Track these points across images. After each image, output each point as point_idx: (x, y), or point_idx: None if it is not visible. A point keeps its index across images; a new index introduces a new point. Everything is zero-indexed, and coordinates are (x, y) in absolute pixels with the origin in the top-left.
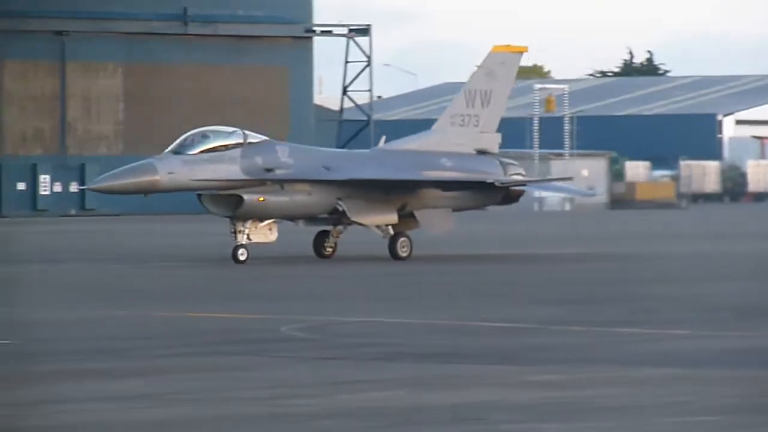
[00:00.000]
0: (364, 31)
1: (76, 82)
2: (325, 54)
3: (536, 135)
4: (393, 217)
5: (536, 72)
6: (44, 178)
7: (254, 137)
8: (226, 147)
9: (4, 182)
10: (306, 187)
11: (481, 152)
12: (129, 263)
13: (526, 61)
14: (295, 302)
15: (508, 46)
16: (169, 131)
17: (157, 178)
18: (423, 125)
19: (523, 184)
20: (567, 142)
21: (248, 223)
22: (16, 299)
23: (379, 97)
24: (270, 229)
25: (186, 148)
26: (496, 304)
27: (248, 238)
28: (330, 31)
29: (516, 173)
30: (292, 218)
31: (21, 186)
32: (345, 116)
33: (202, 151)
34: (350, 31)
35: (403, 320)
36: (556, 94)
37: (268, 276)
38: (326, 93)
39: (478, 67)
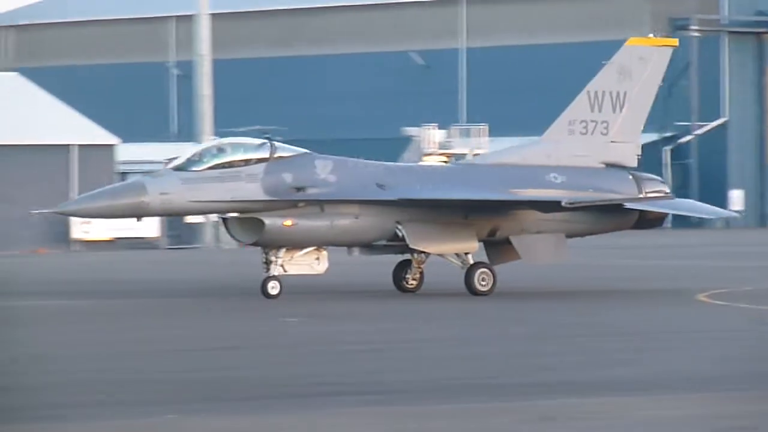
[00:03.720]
0: None
1: None
2: None
3: None
4: (470, 245)
5: None
6: None
7: (287, 150)
8: (246, 162)
9: None
10: (353, 209)
11: (612, 166)
12: None
13: None
14: None
15: (648, 39)
16: None
17: (144, 199)
18: None
19: (618, 204)
20: None
21: (281, 252)
22: None
23: None
24: (317, 259)
25: (192, 163)
26: None
27: (283, 269)
28: None
29: (655, 191)
30: (340, 246)
31: None
32: None
33: (211, 167)
34: None
35: None
36: None
37: None
38: None
39: (607, 63)
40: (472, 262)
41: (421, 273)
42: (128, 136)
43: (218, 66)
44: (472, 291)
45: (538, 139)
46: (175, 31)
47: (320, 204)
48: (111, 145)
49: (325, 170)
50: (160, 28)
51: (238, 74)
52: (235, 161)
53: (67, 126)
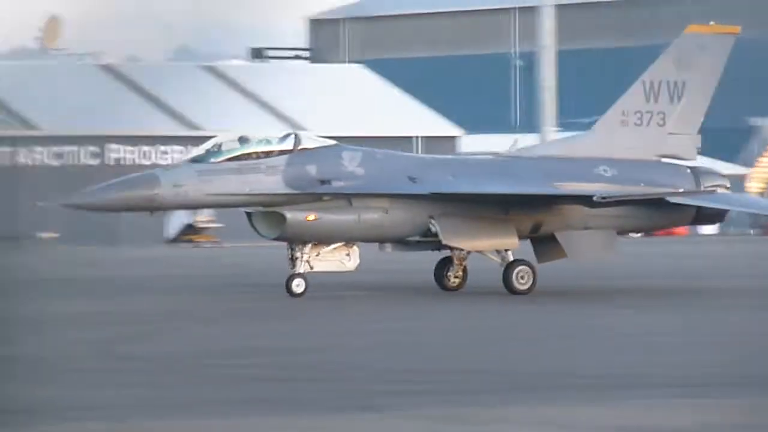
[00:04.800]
0: None
1: None
2: None
3: None
4: (510, 241)
5: None
6: None
7: (313, 141)
8: (268, 154)
9: None
10: (383, 203)
11: (669, 159)
12: None
13: None
14: None
15: (709, 26)
16: None
17: (156, 192)
18: None
19: (651, 199)
20: None
21: (307, 248)
22: None
23: None
24: (347, 255)
25: (211, 155)
26: None
27: (309, 265)
28: None
29: (715, 185)
30: (369, 241)
31: None
32: None
33: (230, 159)
34: None
35: None
36: None
37: None
38: None
39: (665, 52)
40: (511, 259)
41: (464, 270)
42: (470, 127)
43: (560, 56)
44: (511, 289)
45: (588, 131)
46: (517, 22)
47: (347, 197)
48: (454, 137)
49: (352, 162)
50: (502, 20)
51: (580, 65)
52: (256, 153)
53: (410, 117)
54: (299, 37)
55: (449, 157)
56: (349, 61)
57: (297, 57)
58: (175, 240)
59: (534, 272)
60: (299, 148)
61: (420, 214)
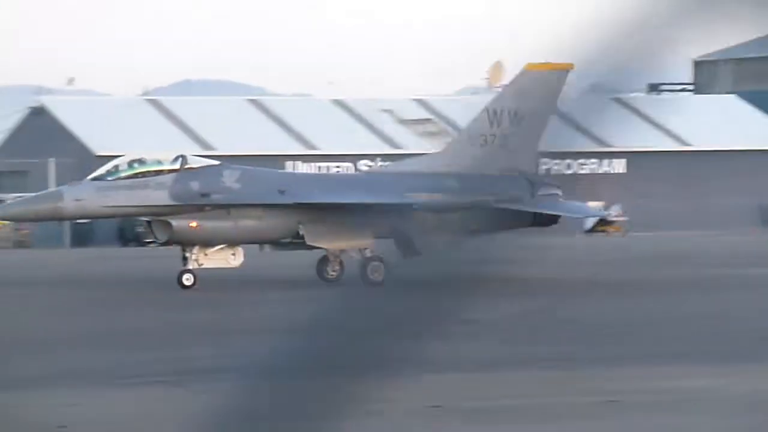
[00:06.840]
0: None
1: None
2: None
3: None
4: (366, 242)
5: None
6: None
7: (198, 162)
8: (158, 173)
9: None
10: (257, 212)
11: (510, 172)
12: None
13: None
14: None
15: (545, 63)
16: None
17: (60, 205)
18: None
19: (459, 207)
20: None
21: (195, 249)
22: None
23: None
24: (233, 254)
25: (110, 174)
26: None
27: (198, 263)
28: None
29: (547, 194)
30: (248, 243)
31: None
32: None
33: (125, 177)
34: None
35: None
36: None
37: None
38: None
39: (506, 85)
40: (369, 256)
41: (341, 264)
42: None
43: None
44: (365, 281)
45: (439, 151)
46: None
47: (226, 208)
48: None
49: (231, 179)
50: None
51: None
52: (147, 172)
53: None
54: (686, 74)
55: (321, 173)
56: (725, 93)
57: (684, 90)
58: (591, 230)
59: (385, 267)
60: (185, 167)
61: (290, 221)
